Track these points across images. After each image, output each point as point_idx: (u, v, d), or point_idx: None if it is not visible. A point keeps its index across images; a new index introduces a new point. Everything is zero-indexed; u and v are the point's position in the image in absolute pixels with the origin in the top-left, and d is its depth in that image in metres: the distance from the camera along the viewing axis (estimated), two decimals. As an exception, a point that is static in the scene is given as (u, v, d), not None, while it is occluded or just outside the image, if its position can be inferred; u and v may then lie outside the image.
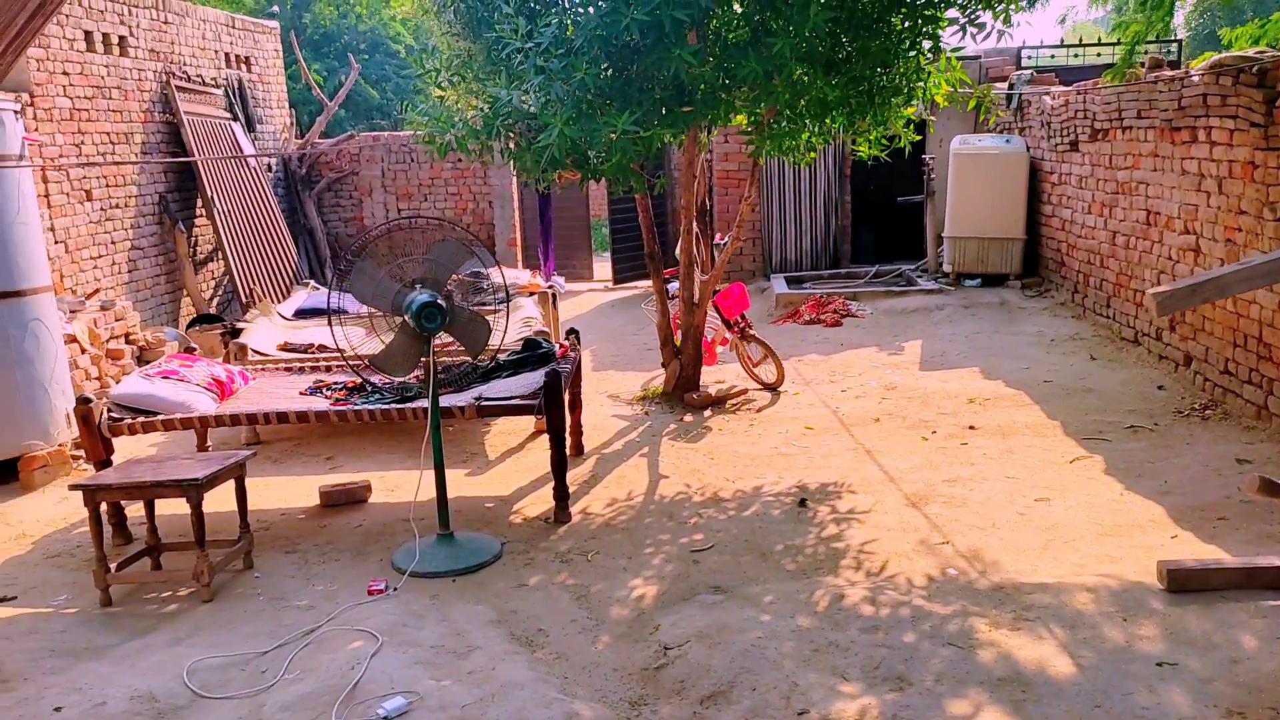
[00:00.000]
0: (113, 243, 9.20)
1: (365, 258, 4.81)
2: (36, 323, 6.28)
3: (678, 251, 7.67)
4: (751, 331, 7.70)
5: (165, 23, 10.34)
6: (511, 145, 6.08)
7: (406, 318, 4.68)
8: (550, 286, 8.93)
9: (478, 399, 5.30)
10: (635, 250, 12.88)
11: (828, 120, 6.54)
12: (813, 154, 7.14)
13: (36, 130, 8.15)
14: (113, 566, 4.55)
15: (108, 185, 9.16)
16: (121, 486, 4.45)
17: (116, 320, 8.15)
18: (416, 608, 4.28)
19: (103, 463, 5.21)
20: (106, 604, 4.46)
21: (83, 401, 5.15)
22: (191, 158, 9.83)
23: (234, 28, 11.92)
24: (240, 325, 8.46)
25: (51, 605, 4.50)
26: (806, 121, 6.50)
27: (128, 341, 8.22)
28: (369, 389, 5.80)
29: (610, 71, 5.52)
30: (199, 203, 10.60)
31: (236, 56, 11.94)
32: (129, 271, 9.46)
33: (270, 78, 12.83)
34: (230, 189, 10.64)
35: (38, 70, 8.33)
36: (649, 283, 13.45)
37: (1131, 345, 7.95)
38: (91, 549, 5.00)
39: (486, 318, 5.04)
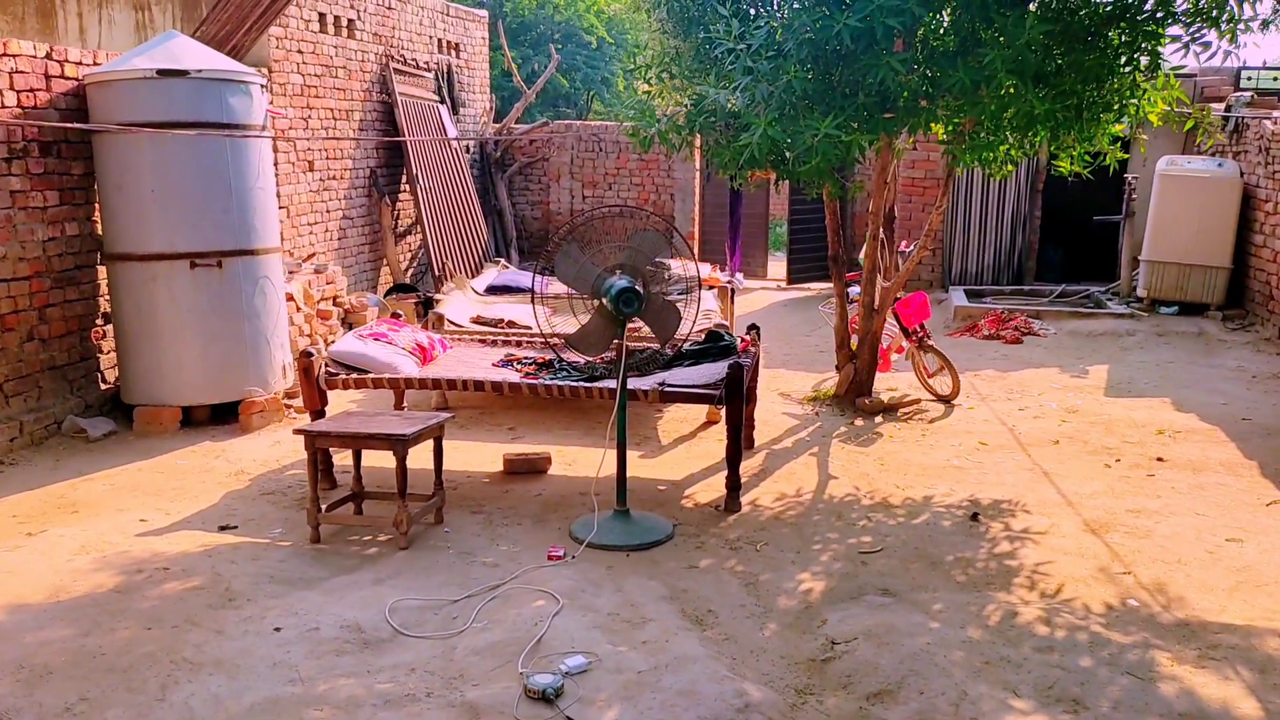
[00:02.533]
0: (328, 211, 9.92)
1: (570, 242, 5.08)
2: (265, 280, 6.88)
3: (861, 256, 7.68)
4: (930, 342, 7.63)
5: (389, 8, 11.03)
6: (711, 142, 6.25)
7: (604, 301, 4.91)
8: (729, 282, 9.08)
9: (661, 384, 5.51)
10: (811, 252, 12.90)
11: (1030, 134, 6.42)
12: (1011, 166, 7.02)
13: (272, 103, 8.88)
14: (322, 507, 4.99)
15: (328, 158, 9.88)
16: (339, 435, 4.87)
17: (327, 284, 8.80)
18: (593, 576, 4.51)
19: (317, 413, 5.69)
20: (316, 540, 4.89)
21: (305, 355, 5.64)
22: (403, 138, 10.47)
23: (448, 15, 12.58)
24: (435, 296, 8.99)
25: (268, 537, 4.97)
26: (1008, 134, 6.41)
27: (335, 304, 8.86)
28: (557, 366, 6.10)
29: (815, 76, 5.61)
30: (404, 179, 11.27)
31: (448, 42, 12.61)
32: (339, 239, 10.17)
33: (476, 64, 13.47)
34: (433, 168, 11.27)
35: (276, 47, 9.06)
36: (823, 285, 13.50)
37: (1345, 390, 7.46)
38: (302, 489, 5.51)
39: (677, 306, 5.23)
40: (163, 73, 6.37)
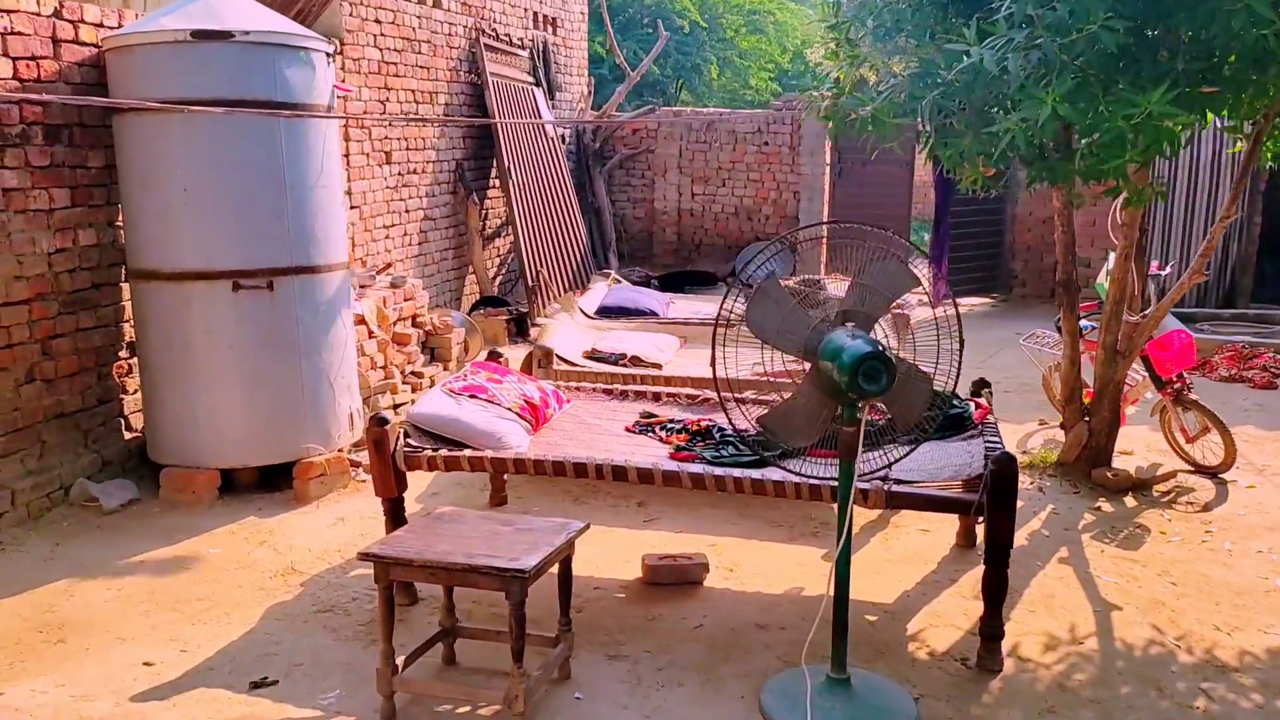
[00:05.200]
0: (406, 211, 8.37)
1: (769, 276, 3.38)
2: (329, 305, 5.31)
3: (1102, 280, 5.86)
4: (1193, 396, 5.77)
5: (480, -27, 9.45)
6: (936, 126, 4.48)
7: (832, 367, 3.19)
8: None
9: (885, 479, 3.77)
10: (969, 261, 10.96)
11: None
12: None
13: (344, 80, 7.34)
14: (399, 660, 3.37)
15: (407, 148, 8.32)
16: (424, 566, 3.23)
17: (405, 300, 7.23)
18: (822, 815, 2.82)
19: (394, 503, 4.10)
20: (390, 716, 3.28)
21: (378, 422, 4.03)
22: (495, 119, 8.87)
23: (545, -15, 10.97)
24: (535, 319, 7.38)
25: (319, 705, 3.37)
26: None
27: (414, 324, 7.29)
28: (718, 435, 4.42)
29: (1124, 30, 3.82)
30: (493, 173, 9.69)
31: (545, 17, 10.99)
32: (419, 244, 8.62)
33: (574, 42, 11.84)
34: (527, 160, 9.66)
35: (349, 15, 7.53)
36: (976, 300, 11.52)
37: None
38: (371, 602, 3.96)
39: (926, 372, 3.51)
40: (199, 34, 4.82)
